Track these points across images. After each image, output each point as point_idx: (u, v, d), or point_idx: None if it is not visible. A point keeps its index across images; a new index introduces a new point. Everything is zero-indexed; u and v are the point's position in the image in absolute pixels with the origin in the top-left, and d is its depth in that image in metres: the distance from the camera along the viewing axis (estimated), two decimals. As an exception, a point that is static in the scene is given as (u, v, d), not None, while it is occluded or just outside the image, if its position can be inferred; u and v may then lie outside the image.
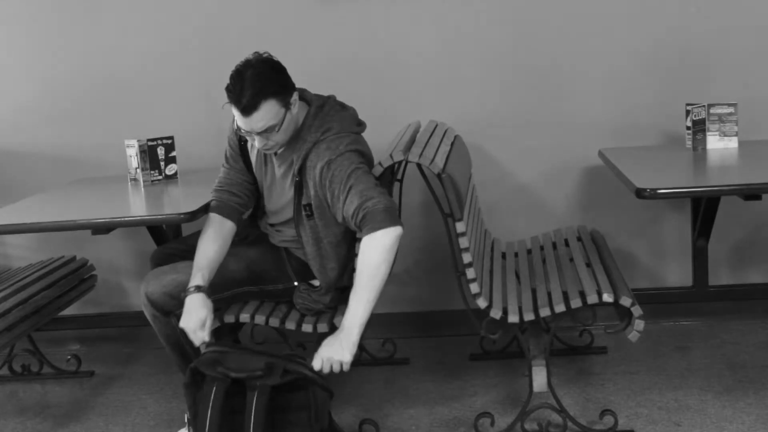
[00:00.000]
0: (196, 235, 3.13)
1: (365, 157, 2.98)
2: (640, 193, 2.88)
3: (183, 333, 2.89)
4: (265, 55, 2.87)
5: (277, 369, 2.67)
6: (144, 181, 3.70)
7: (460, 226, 2.96)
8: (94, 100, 4.10)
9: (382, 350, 3.87)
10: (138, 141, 3.68)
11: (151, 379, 3.84)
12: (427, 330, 4.12)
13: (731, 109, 3.58)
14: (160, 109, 4.07)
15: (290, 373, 2.68)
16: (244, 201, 3.13)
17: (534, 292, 3.17)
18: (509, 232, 3.92)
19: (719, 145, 3.60)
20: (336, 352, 2.76)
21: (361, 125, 3.06)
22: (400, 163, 3.05)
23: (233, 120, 2.99)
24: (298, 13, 3.96)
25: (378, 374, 3.72)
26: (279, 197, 3.08)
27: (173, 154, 3.76)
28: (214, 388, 2.67)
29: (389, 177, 3.10)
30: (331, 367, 2.75)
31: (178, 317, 2.96)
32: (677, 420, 3.14)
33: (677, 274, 4.08)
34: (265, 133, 2.85)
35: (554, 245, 3.63)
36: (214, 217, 3.06)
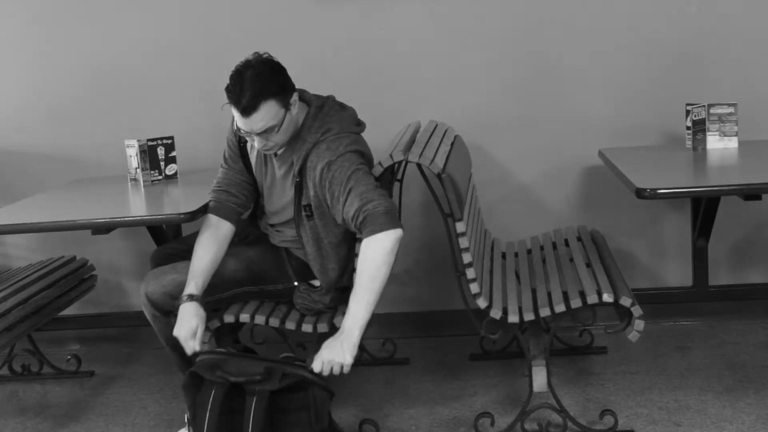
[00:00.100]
0: (195, 235, 3.12)
1: (365, 157, 2.98)
2: (640, 193, 2.88)
3: (176, 340, 2.91)
4: (265, 55, 2.87)
5: (276, 374, 2.67)
6: (144, 181, 3.70)
7: (460, 226, 2.96)
8: (94, 100, 4.10)
9: (382, 350, 3.86)
10: (138, 141, 3.68)
11: (151, 379, 3.84)
12: (427, 330, 4.12)
13: (731, 109, 3.58)
14: (160, 109, 4.07)
15: (289, 377, 2.68)
16: (243, 201, 3.13)
17: (534, 292, 3.17)
18: (509, 232, 3.92)
19: (719, 145, 3.60)
20: (337, 354, 2.76)
21: (360, 125, 3.06)
22: (400, 163, 3.05)
23: (232, 121, 2.99)
24: (298, 13, 3.96)
25: (378, 374, 3.72)
26: (279, 198, 3.08)
27: (173, 154, 3.76)
28: (213, 391, 2.67)
29: (389, 177, 3.10)
30: (332, 369, 2.75)
31: (178, 309, 2.96)
32: (677, 420, 3.14)
33: (677, 274, 4.08)
34: (264, 133, 2.85)
35: (554, 245, 3.63)
36: (210, 219, 3.06)
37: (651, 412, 3.21)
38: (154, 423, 3.43)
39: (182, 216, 3.06)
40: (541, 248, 3.63)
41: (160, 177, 3.73)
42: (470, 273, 2.97)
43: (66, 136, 4.13)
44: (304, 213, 2.98)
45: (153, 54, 4.05)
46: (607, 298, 2.92)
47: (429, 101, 3.97)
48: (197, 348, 2.87)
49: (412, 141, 3.21)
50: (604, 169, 3.68)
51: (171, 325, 3.01)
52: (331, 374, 2.75)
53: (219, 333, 3.13)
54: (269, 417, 2.65)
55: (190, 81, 4.04)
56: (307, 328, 3.06)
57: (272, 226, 3.18)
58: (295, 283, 3.14)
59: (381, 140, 3.38)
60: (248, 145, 3.09)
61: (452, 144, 3.37)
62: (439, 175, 2.93)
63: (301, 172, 2.94)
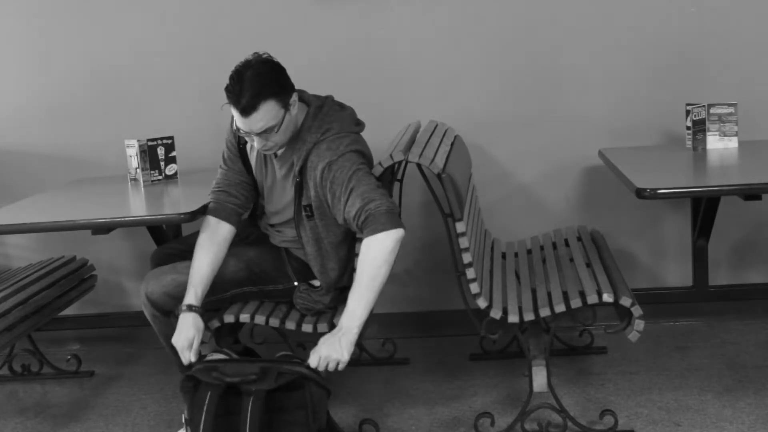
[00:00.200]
0: (195, 235, 3.12)
1: (365, 157, 2.98)
2: (640, 193, 2.88)
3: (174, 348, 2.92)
4: (265, 55, 2.87)
5: (272, 373, 2.67)
6: (144, 181, 3.70)
7: (460, 226, 2.96)
8: (94, 100, 4.10)
9: (382, 350, 3.86)
10: (138, 141, 3.68)
11: (151, 379, 3.84)
12: (427, 330, 4.12)
13: (731, 109, 3.58)
14: (160, 109, 4.07)
15: (285, 375, 2.68)
16: (242, 202, 3.13)
17: (534, 292, 3.17)
18: (509, 232, 3.92)
19: (719, 145, 3.60)
20: (335, 350, 2.76)
21: (360, 125, 3.06)
22: (400, 163, 3.05)
23: (231, 121, 2.99)
24: (298, 13, 3.96)
25: (378, 374, 3.72)
26: (280, 198, 3.08)
27: (173, 154, 3.76)
28: (209, 393, 2.67)
29: (389, 177, 3.10)
30: (327, 365, 2.76)
31: (178, 317, 2.97)
32: (677, 420, 3.14)
33: (677, 274, 4.08)
34: (264, 133, 2.84)
35: (554, 245, 3.63)
36: (210, 222, 3.06)
37: (651, 412, 3.21)
38: (154, 423, 3.43)
39: (182, 216, 3.06)
40: (541, 248, 3.63)
41: (160, 177, 3.73)
42: (470, 273, 2.97)
43: (66, 136, 4.13)
44: (304, 213, 2.98)
45: (153, 54, 4.05)
46: (607, 298, 2.92)
47: (429, 101, 3.97)
48: (192, 359, 2.87)
49: (412, 141, 3.21)
50: (604, 169, 3.68)
51: (171, 325, 3.01)
52: (326, 371, 2.75)
53: (219, 333, 3.13)
54: (266, 417, 2.65)
55: (190, 81, 4.04)
56: (307, 328, 3.06)
57: (272, 226, 3.18)
58: (295, 283, 3.14)
59: (381, 140, 3.38)
60: (248, 146, 3.09)
61: (452, 144, 3.37)
62: (439, 175, 2.93)
63: (302, 172, 2.94)
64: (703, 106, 3.59)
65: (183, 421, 2.95)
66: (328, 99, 3.05)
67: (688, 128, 3.63)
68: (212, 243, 3.02)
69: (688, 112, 3.62)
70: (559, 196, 4.05)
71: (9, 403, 3.73)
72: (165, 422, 3.41)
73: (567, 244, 3.60)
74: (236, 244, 3.11)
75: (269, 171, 3.08)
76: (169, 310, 3.06)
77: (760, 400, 3.23)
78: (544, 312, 2.97)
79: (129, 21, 4.03)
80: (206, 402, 2.67)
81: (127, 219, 3.23)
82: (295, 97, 2.90)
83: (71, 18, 4.05)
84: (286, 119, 2.87)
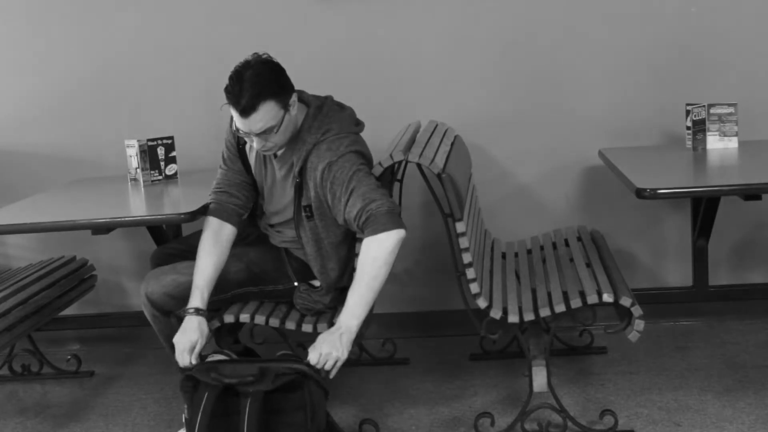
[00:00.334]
0: (196, 235, 3.13)
1: (365, 157, 2.98)
2: (640, 193, 2.88)
3: (175, 329, 2.91)
4: (265, 56, 2.86)
5: (270, 374, 2.67)
6: (144, 181, 3.70)
7: (460, 226, 2.96)
8: (94, 100, 4.10)
9: (382, 350, 3.86)
10: (138, 141, 3.68)
11: (151, 379, 3.84)
12: (427, 330, 4.12)
13: (731, 109, 3.58)
14: (160, 109, 4.07)
15: (283, 377, 2.68)
16: (243, 202, 3.12)
17: (534, 292, 3.16)
18: (509, 232, 3.92)
19: (719, 145, 3.60)
20: (335, 348, 2.75)
21: (359, 125, 3.06)
22: (400, 163, 3.05)
23: (230, 122, 2.99)
24: (298, 13, 3.96)
25: (378, 374, 3.72)
26: (280, 198, 3.08)
27: (173, 154, 3.76)
28: (206, 394, 2.67)
29: (389, 177, 3.10)
30: (326, 362, 2.75)
31: (178, 317, 2.97)
32: (677, 420, 3.14)
33: (677, 274, 4.08)
34: (263, 134, 2.84)
35: (554, 245, 3.63)
36: (212, 223, 3.05)
37: (651, 412, 3.21)
38: (154, 423, 3.43)
39: (182, 216, 3.06)
40: (541, 248, 3.63)
41: (160, 177, 3.73)
42: (470, 273, 2.97)
43: (66, 136, 4.13)
44: (304, 214, 2.97)
45: (153, 54, 4.05)
46: (607, 298, 2.92)
47: (429, 101, 3.97)
48: (192, 362, 2.86)
49: (412, 141, 3.21)
50: (604, 169, 3.68)
51: (171, 325, 3.01)
52: (324, 370, 2.75)
53: (219, 333, 3.13)
54: (264, 418, 2.65)
55: (190, 81, 4.04)
56: (307, 328, 3.06)
57: (272, 226, 3.18)
58: (296, 284, 3.14)
59: (381, 140, 3.38)
60: (247, 146, 3.09)
61: (452, 144, 3.37)
62: (439, 175, 2.93)
63: (302, 173, 2.94)
64: (703, 106, 3.60)
65: (183, 421, 2.95)
66: (328, 99, 3.05)
67: (688, 128, 3.63)
68: (216, 244, 3.02)
69: (688, 112, 3.62)
70: (559, 196, 4.05)
71: (9, 403, 3.73)
72: (165, 422, 3.41)
73: (567, 244, 3.60)
74: (236, 244, 3.11)
75: (269, 171, 3.08)
76: (169, 310, 3.06)
77: (760, 400, 3.23)
78: (544, 312, 2.97)
79: (129, 21, 4.03)
80: (203, 402, 2.67)
81: (127, 219, 3.23)
82: (294, 97, 2.90)
83: (71, 18, 4.05)
84: (286, 120, 2.87)
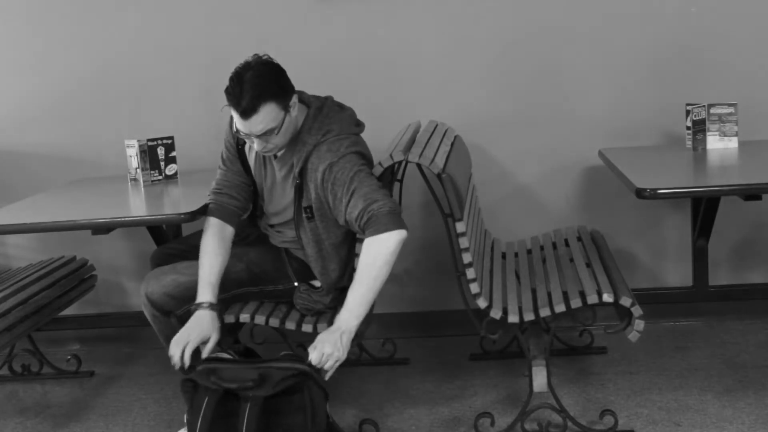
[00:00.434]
0: (196, 235, 3.13)
1: (366, 158, 2.98)
2: (640, 193, 2.88)
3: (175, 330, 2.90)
4: (265, 57, 2.86)
5: (271, 380, 2.66)
6: (144, 181, 3.70)
7: (460, 226, 2.96)
8: (94, 100, 4.10)
9: (382, 350, 3.86)
10: (138, 141, 3.69)
11: (151, 379, 3.84)
12: (427, 330, 4.12)
13: (731, 109, 3.59)
14: (160, 109, 4.07)
15: (285, 381, 2.67)
16: (242, 203, 3.13)
17: (534, 292, 3.17)
18: (509, 232, 3.92)
19: (719, 145, 3.60)
20: (336, 348, 2.75)
21: (360, 126, 3.06)
22: (400, 163, 3.05)
23: (230, 122, 2.99)
24: (298, 13, 3.96)
25: (378, 374, 3.72)
26: (280, 199, 3.08)
27: (173, 154, 3.76)
28: (206, 398, 2.67)
29: (389, 177, 3.10)
30: (327, 362, 2.75)
31: (178, 317, 2.96)
32: (677, 420, 3.14)
33: (677, 274, 4.08)
34: (264, 135, 2.84)
35: (554, 245, 3.63)
36: (215, 223, 3.05)
37: (651, 412, 3.21)
38: (154, 423, 3.43)
39: (182, 216, 3.06)
40: (541, 248, 3.63)
41: (160, 177, 3.73)
42: (470, 273, 2.97)
43: (66, 136, 4.13)
44: (304, 214, 2.97)
45: (153, 54, 4.05)
46: (607, 298, 2.92)
47: (429, 101, 3.97)
48: (204, 355, 2.85)
49: (412, 141, 3.21)
50: (604, 169, 3.68)
51: (171, 325, 3.01)
52: (323, 369, 2.75)
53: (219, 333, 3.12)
54: (264, 420, 2.65)
55: (190, 81, 4.04)
56: (307, 328, 3.06)
57: (272, 226, 3.18)
58: (296, 284, 3.14)
59: (381, 140, 3.38)
60: (246, 147, 3.09)
61: (452, 144, 3.37)
62: (439, 175, 2.93)
63: (302, 174, 2.94)
64: (703, 106, 3.60)
65: (184, 420, 2.95)
66: (328, 100, 3.04)
67: (688, 128, 3.63)
68: (221, 243, 3.02)
69: (688, 112, 3.62)
70: (559, 196, 4.04)
71: (9, 403, 3.73)
72: (165, 422, 3.41)
73: (567, 244, 3.60)
74: (236, 244, 3.11)
75: (269, 172, 3.08)
76: (169, 310, 3.05)
77: (760, 400, 3.23)
78: (544, 312, 2.97)
79: (129, 21, 4.03)
80: (203, 407, 2.66)
81: (127, 219, 3.23)
82: (295, 98, 2.90)
83: (71, 17, 4.05)
84: (286, 121, 2.87)
